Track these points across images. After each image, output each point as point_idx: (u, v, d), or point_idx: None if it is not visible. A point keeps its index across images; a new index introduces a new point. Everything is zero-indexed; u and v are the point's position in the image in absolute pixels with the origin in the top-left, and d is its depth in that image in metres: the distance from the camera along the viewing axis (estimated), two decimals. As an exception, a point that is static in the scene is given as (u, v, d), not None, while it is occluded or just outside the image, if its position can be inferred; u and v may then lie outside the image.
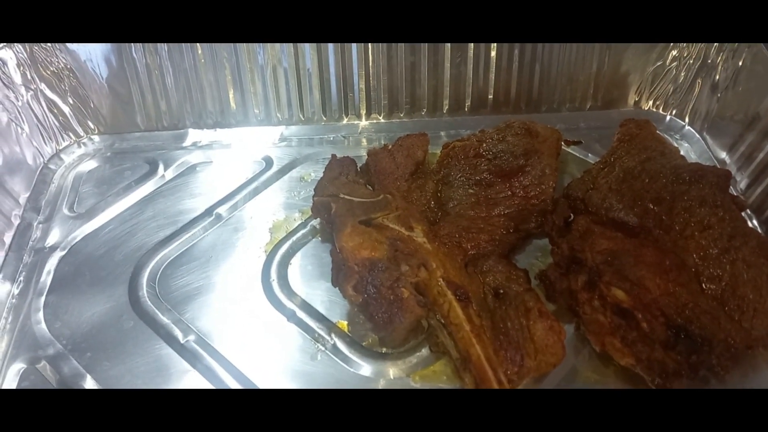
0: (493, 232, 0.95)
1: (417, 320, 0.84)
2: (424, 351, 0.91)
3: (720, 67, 1.19)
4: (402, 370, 0.90)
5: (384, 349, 0.91)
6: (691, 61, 1.23)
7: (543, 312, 0.81)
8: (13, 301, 1.02)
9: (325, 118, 1.30)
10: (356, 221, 0.91)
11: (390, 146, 1.08)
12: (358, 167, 1.09)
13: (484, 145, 1.04)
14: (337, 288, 0.89)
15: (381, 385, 0.88)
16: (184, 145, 1.28)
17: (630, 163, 1.04)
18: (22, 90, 1.18)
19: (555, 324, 0.80)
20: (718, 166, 1.13)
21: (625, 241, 0.90)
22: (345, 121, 1.30)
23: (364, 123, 1.31)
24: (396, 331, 0.83)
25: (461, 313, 0.82)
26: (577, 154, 1.20)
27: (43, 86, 1.21)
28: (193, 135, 1.29)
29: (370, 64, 1.23)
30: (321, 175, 1.07)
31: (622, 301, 0.82)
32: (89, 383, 0.89)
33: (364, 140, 1.28)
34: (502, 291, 0.86)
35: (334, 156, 1.09)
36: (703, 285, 0.86)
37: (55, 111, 1.24)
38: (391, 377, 0.89)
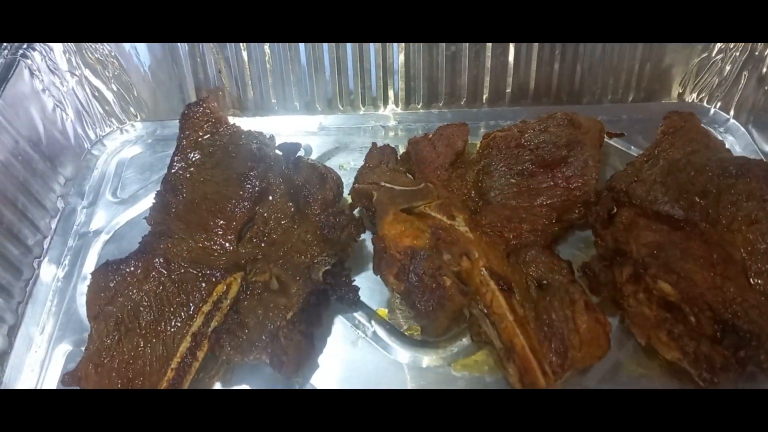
0: (535, 222, 0.94)
1: (459, 309, 0.84)
2: (465, 340, 0.91)
3: (767, 60, 1.16)
4: (443, 358, 0.90)
5: (423, 337, 0.92)
6: (737, 54, 1.21)
7: (589, 304, 0.80)
8: (59, 284, 1.04)
9: (363, 108, 1.30)
10: (398, 209, 0.91)
11: (431, 135, 1.07)
12: (398, 156, 1.09)
13: (526, 135, 1.04)
14: (378, 276, 0.89)
15: (420, 373, 0.88)
16: (224, 132, 1.28)
17: (675, 156, 1.02)
18: (68, 76, 1.20)
19: (601, 317, 0.79)
20: (765, 160, 1.11)
21: (670, 234, 0.89)
22: (384, 110, 1.30)
23: (402, 113, 1.30)
24: (438, 319, 0.83)
25: (504, 303, 0.81)
26: (620, 147, 1.19)
27: (87, 72, 1.22)
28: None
29: (410, 53, 1.23)
30: (361, 163, 1.07)
31: (668, 294, 0.81)
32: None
33: (401, 130, 1.28)
34: (545, 282, 0.85)
35: (374, 144, 1.09)
36: (751, 280, 0.84)
37: (99, 97, 1.26)
38: (432, 365, 0.89)
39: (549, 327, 0.80)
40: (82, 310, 0.98)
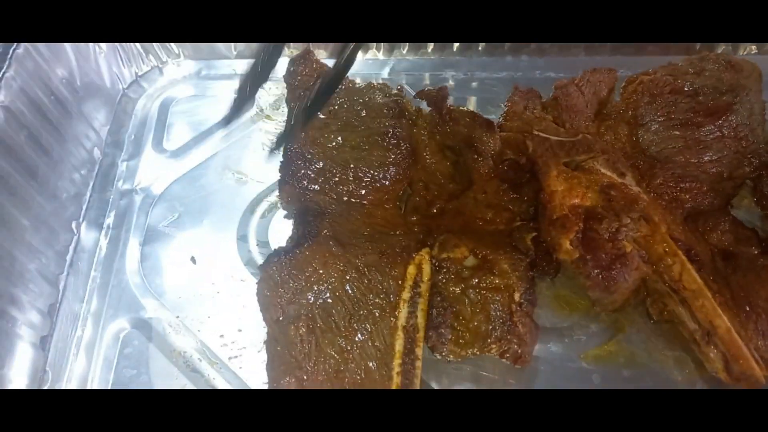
0: (709, 182, 0.80)
1: (642, 280, 0.72)
2: (593, 326, 0.78)
3: None
4: (569, 348, 0.78)
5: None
6: None
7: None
8: (102, 252, 0.87)
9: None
10: (560, 162, 0.77)
11: (577, 80, 0.91)
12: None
13: (680, 80, 0.88)
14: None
15: (548, 367, 0.76)
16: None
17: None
18: (100, 2, 1.01)
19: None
20: None
21: None
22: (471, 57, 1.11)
23: (488, 60, 1.10)
24: (618, 291, 0.71)
25: (698, 277, 0.69)
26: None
27: (123, 0, 1.03)
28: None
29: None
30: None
31: None
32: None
33: (476, 81, 1.08)
34: (730, 252, 0.73)
35: (516, 87, 0.92)
36: None
37: (136, 30, 1.07)
38: (558, 356, 0.77)
39: (750, 307, 0.68)
40: (134, 284, 0.84)
